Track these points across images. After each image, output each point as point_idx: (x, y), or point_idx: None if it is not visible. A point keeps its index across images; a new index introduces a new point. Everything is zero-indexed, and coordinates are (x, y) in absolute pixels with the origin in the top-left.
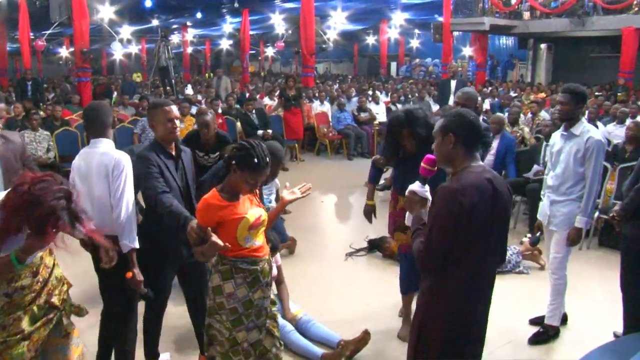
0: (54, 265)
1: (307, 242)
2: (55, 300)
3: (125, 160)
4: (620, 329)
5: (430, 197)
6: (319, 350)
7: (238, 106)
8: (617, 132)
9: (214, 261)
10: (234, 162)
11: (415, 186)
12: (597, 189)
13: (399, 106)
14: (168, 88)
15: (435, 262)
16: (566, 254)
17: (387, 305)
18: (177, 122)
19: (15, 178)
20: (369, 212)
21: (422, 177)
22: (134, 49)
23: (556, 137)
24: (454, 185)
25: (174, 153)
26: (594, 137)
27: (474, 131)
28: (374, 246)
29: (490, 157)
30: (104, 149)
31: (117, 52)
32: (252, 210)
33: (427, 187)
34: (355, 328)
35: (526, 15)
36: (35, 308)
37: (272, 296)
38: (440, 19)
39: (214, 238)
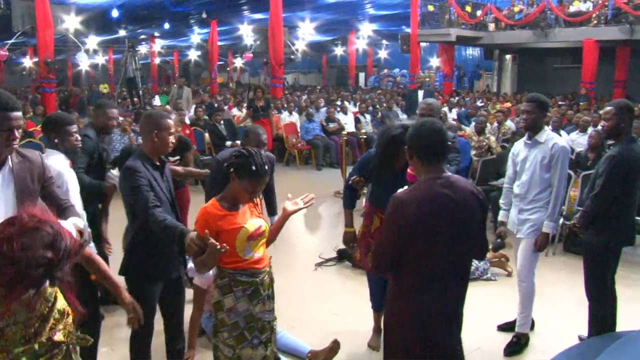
0: (55, 298)
1: (276, 252)
2: (59, 336)
3: (66, 174)
4: (585, 333)
5: None
6: None
7: (206, 117)
8: (579, 141)
9: (212, 276)
10: (232, 170)
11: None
12: (563, 194)
13: (367, 116)
14: (135, 99)
15: (383, 264)
16: (534, 261)
17: (357, 315)
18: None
19: (19, 209)
20: (350, 241)
21: (409, 183)
22: (100, 59)
23: (520, 146)
24: (403, 195)
25: (158, 164)
26: (559, 144)
27: (430, 144)
28: (344, 256)
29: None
30: (51, 161)
31: (83, 62)
32: (251, 221)
33: None
34: (325, 338)
35: (491, 26)
36: (36, 346)
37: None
38: (408, 30)
39: (212, 240)
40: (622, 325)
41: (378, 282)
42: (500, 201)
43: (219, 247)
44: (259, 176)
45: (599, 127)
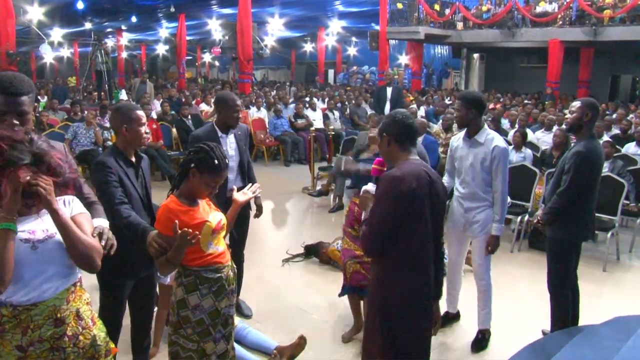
0: (93, 321)
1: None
2: None
3: None
4: (548, 327)
5: None
6: (254, 358)
7: (173, 112)
8: (545, 139)
9: (175, 274)
10: (192, 165)
11: (369, 186)
12: (506, 194)
13: (336, 113)
14: (102, 93)
15: (377, 244)
16: (489, 258)
17: (324, 310)
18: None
19: None
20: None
21: (375, 178)
22: (65, 52)
23: (458, 141)
24: (396, 173)
25: (133, 160)
26: (499, 146)
27: (404, 128)
28: (311, 252)
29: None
30: None
31: (48, 55)
32: (212, 215)
33: None
34: (292, 334)
35: (459, 25)
36: None
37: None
38: (377, 27)
39: (184, 229)
40: (584, 319)
41: None
42: None
43: (189, 236)
44: (220, 170)
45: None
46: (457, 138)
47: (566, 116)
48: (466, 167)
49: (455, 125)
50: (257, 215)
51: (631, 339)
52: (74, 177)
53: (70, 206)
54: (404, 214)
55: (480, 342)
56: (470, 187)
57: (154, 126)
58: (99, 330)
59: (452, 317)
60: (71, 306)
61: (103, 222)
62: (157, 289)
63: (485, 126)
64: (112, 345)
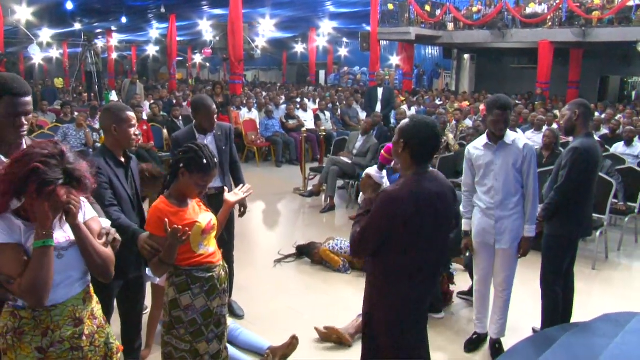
0: (105, 320)
1: (235, 250)
2: None
3: None
4: (539, 325)
5: (384, 184)
6: (247, 358)
7: (164, 113)
8: (535, 139)
9: (167, 274)
10: (182, 165)
11: (372, 170)
12: (538, 194)
13: (327, 114)
14: (92, 94)
15: (364, 251)
16: (515, 269)
17: (316, 310)
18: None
19: None
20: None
21: (380, 164)
22: (55, 53)
23: (477, 150)
24: (393, 192)
25: (123, 160)
26: (528, 144)
27: (426, 147)
28: (303, 252)
29: None
30: None
31: (36, 56)
32: (202, 215)
33: (384, 173)
34: (284, 334)
35: (450, 26)
36: None
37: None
38: (368, 28)
39: (174, 227)
40: (574, 316)
41: None
42: (461, 209)
43: (180, 233)
44: (209, 169)
45: (554, 126)
46: (474, 147)
47: (560, 122)
48: (495, 172)
49: (447, 126)
50: (242, 215)
51: (619, 335)
52: (94, 187)
53: (82, 210)
54: (399, 233)
55: (500, 350)
56: (501, 194)
57: (145, 127)
58: (109, 329)
59: (484, 339)
60: (87, 306)
61: (104, 222)
62: (151, 290)
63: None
64: (118, 343)
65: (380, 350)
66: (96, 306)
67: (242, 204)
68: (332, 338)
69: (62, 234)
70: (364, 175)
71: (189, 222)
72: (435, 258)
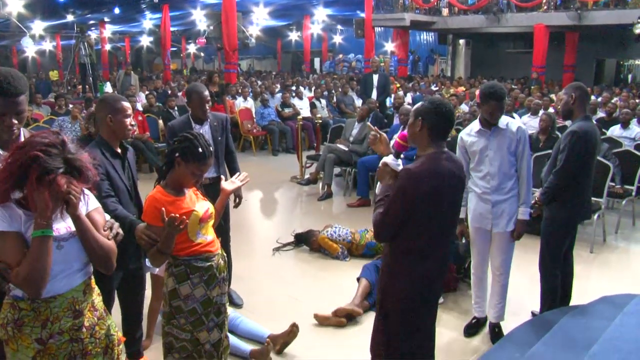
0: (105, 312)
1: (233, 239)
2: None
3: None
4: (538, 308)
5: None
6: (247, 347)
7: (159, 104)
8: (531, 123)
9: (165, 265)
10: (177, 154)
11: (389, 159)
12: (531, 176)
13: (323, 101)
14: (87, 86)
15: (388, 234)
16: (512, 252)
17: (315, 298)
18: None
19: None
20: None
21: (395, 151)
22: (48, 45)
23: (470, 136)
24: (416, 169)
25: (119, 151)
26: (521, 127)
27: (443, 123)
28: (301, 240)
29: None
30: None
31: (29, 48)
32: (199, 204)
33: (399, 160)
34: (284, 322)
35: (445, 11)
36: None
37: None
38: (362, 14)
39: (171, 215)
40: (573, 300)
41: None
42: None
43: (177, 222)
44: (205, 158)
45: (550, 110)
46: (467, 134)
47: (557, 106)
48: (490, 158)
49: None
50: (237, 205)
51: (618, 317)
52: (97, 180)
53: (85, 201)
54: (420, 211)
55: (500, 334)
56: (496, 178)
57: (140, 118)
58: (111, 320)
59: (483, 323)
60: (87, 298)
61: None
62: (151, 281)
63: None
64: (120, 334)
65: (391, 328)
66: (97, 298)
67: (238, 194)
68: (331, 322)
69: (63, 225)
70: (380, 165)
71: (186, 211)
72: (447, 238)
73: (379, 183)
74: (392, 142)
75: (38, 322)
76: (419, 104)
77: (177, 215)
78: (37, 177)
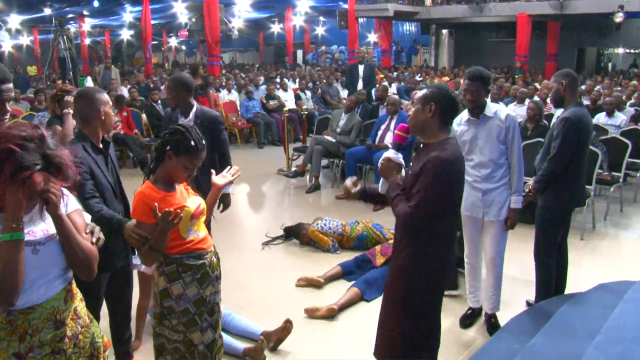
0: (89, 318)
1: (221, 234)
2: None
3: None
4: (532, 298)
5: (404, 163)
6: (240, 345)
7: (142, 98)
8: (518, 112)
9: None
10: (169, 147)
11: (390, 153)
12: (523, 164)
13: (308, 93)
14: (67, 81)
15: (423, 222)
16: (505, 244)
17: (307, 292)
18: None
19: None
20: None
21: (395, 144)
22: (25, 40)
23: (462, 126)
24: (447, 155)
25: (101, 146)
26: (510, 114)
27: (453, 106)
28: (291, 233)
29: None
30: None
31: (6, 43)
32: (190, 200)
33: (400, 154)
34: (278, 318)
35: (428, 1)
36: None
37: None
38: (345, 6)
39: (164, 210)
40: (567, 287)
41: None
42: None
43: (171, 216)
44: (197, 151)
45: (536, 98)
46: (458, 122)
47: (542, 94)
48: (480, 146)
49: None
50: (222, 211)
51: (619, 306)
52: (78, 179)
53: (65, 201)
54: (452, 196)
55: (496, 325)
56: (487, 167)
57: (125, 114)
58: (95, 327)
59: (478, 313)
60: (69, 306)
61: (86, 217)
62: (138, 279)
63: (487, 100)
64: (106, 339)
65: (410, 311)
66: (80, 304)
67: (225, 202)
68: (321, 313)
69: (40, 227)
70: (382, 160)
71: (177, 207)
72: (456, 222)
73: (382, 179)
74: (379, 134)
75: (15, 336)
76: (425, 90)
77: (171, 209)
78: (10, 173)
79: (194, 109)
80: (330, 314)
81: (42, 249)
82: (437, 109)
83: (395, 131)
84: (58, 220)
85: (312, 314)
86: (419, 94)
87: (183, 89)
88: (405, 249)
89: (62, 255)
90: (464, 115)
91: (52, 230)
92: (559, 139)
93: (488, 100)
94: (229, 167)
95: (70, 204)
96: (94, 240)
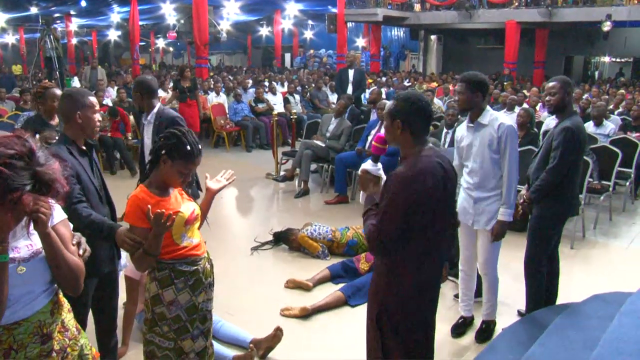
0: (77, 329)
1: (209, 239)
2: None
3: None
4: (523, 307)
5: (383, 176)
6: (229, 353)
7: (130, 99)
8: (508, 120)
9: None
10: (164, 152)
11: (368, 165)
12: (516, 177)
13: (297, 97)
14: (53, 81)
15: (387, 245)
16: (496, 251)
17: (297, 298)
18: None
19: None
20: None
21: (374, 156)
22: (10, 39)
23: (462, 131)
24: (408, 171)
25: (85, 148)
26: (505, 123)
27: (421, 117)
28: (280, 239)
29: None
30: None
31: None
32: (185, 205)
33: (379, 165)
34: (267, 325)
35: (417, 7)
36: None
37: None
38: (334, 10)
39: (157, 211)
40: (560, 296)
41: None
42: None
43: (164, 218)
44: (193, 156)
45: (525, 105)
46: (461, 128)
47: (546, 98)
48: (473, 153)
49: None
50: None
51: (616, 318)
52: (67, 190)
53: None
54: (418, 213)
55: (485, 332)
56: (479, 175)
57: (117, 118)
58: (84, 338)
59: (470, 322)
60: (56, 318)
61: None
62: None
63: (488, 107)
64: (94, 350)
65: (390, 331)
66: (67, 315)
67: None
68: (294, 313)
69: (23, 243)
70: (360, 173)
71: (170, 212)
72: (445, 237)
73: (362, 193)
74: (369, 139)
75: (0, 352)
76: (391, 103)
77: (164, 211)
78: None
79: (155, 110)
80: (303, 314)
81: (27, 266)
82: (404, 125)
83: (373, 142)
84: (46, 238)
85: (286, 313)
86: (385, 108)
87: (145, 91)
88: (378, 269)
89: (48, 271)
90: (467, 120)
91: (37, 245)
92: (560, 149)
93: (488, 107)
94: (223, 171)
95: (56, 214)
96: (80, 252)
